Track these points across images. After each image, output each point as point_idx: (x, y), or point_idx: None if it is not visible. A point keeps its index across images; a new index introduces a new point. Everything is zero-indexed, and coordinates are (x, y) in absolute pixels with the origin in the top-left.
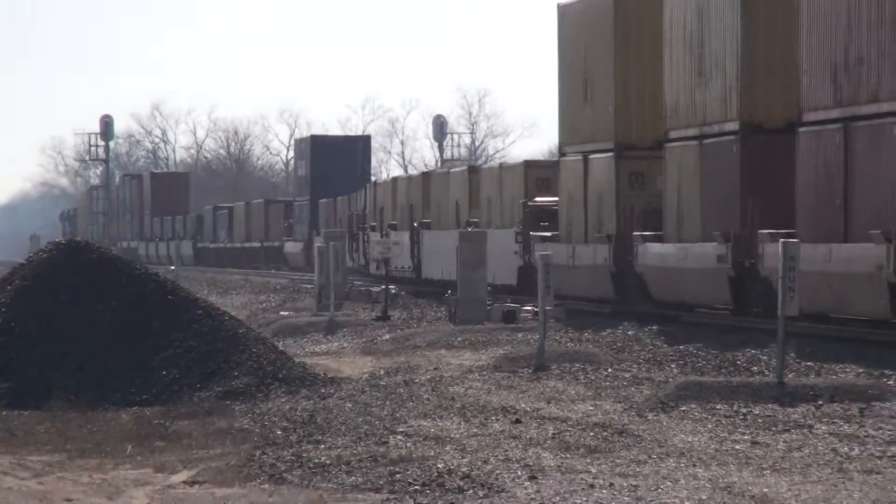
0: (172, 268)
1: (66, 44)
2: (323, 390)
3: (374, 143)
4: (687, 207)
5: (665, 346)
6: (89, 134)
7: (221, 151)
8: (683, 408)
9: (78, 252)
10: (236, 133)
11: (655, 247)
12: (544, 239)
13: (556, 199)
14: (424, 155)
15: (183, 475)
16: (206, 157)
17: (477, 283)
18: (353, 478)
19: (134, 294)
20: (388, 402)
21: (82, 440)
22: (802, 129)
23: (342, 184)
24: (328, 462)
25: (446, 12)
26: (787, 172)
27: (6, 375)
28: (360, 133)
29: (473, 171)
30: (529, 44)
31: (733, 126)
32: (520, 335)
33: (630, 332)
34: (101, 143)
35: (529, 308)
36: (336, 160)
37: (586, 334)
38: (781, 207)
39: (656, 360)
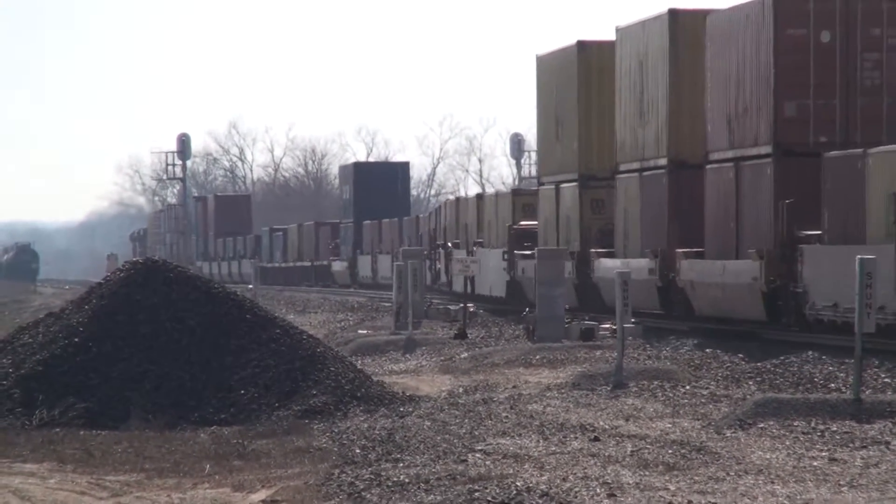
0: (251, 286)
1: (143, 62)
2: (401, 409)
3: (452, 161)
4: (631, 228)
5: (743, 363)
6: (166, 153)
7: (299, 170)
8: (761, 425)
9: (155, 271)
10: (314, 151)
11: (608, 261)
12: (524, 256)
13: (537, 222)
14: (502, 173)
15: (261, 494)
16: (283, 176)
17: (555, 300)
18: (432, 496)
19: (212, 313)
20: (466, 421)
21: (160, 460)
22: (708, 166)
23: (384, 207)
24: (407, 481)
25: (525, 31)
26: (702, 201)
27: (84, 395)
28: (437, 152)
29: (480, 198)
30: None
31: (663, 161)
32: (598, 353)
33: (707, 350)
34: (179, 161)
35: (608, 326)
36: (377, 185)
37: (665, 351)
38: (698, 230)
39: (734, 377)
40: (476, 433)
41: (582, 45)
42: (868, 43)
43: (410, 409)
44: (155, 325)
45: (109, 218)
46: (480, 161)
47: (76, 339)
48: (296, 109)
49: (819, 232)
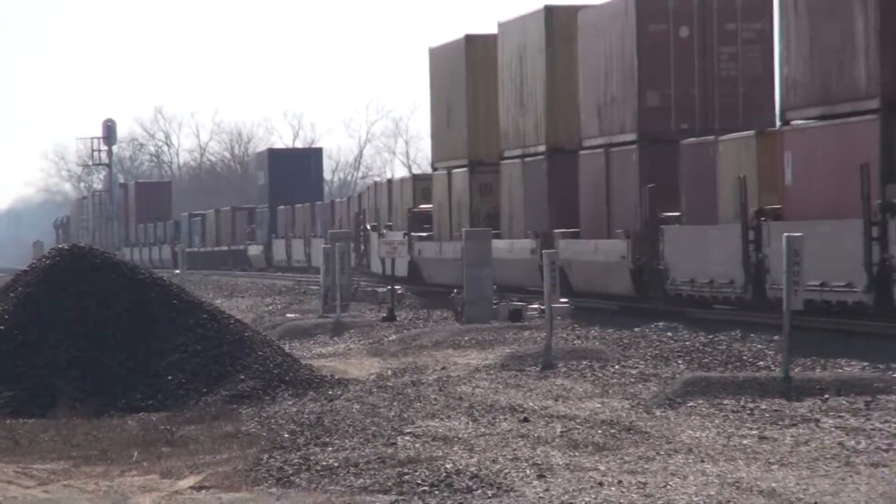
0: (178, 272)
1: (68, 48)
2: (330, 392)
3: (378, 143)
4: (515, 211)
5: (672, 342)
6: (92, 138)
7: (226, 154)
8: (691, 403)
9: (81, 258)
10: (240, 135)
11: (496, 242)
12: (421, 238)
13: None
14: (430, 154)
15: (190, 480)
16: (210, 160)
17: (482, 281)
18: (362, 480)
19: (138, 299)
20: (395, 403)
21: (88, 447)
22: (582, 151)
23: (298, 192)
24: (336, 464)
25: (450, 12)
26: (578, 185)
27: (10, 383)
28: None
29: (389, 183)
30: None
31: (542, 148)
32: (526, 333)
33: (636, 329)
34: (104, 147)
35: (536, 306)
36: (291, 171)
37: (593, 331)
38: (574, 212)
39: (663, 356)
40: (405, 416)
41: (469, 39)
42: (724, 37)
43: (339, 393)
44: (81, 311)
45: (35, 205)
46: (407, 143)
47: (1, 327)
48: (222, 93)
49: (678, 213)
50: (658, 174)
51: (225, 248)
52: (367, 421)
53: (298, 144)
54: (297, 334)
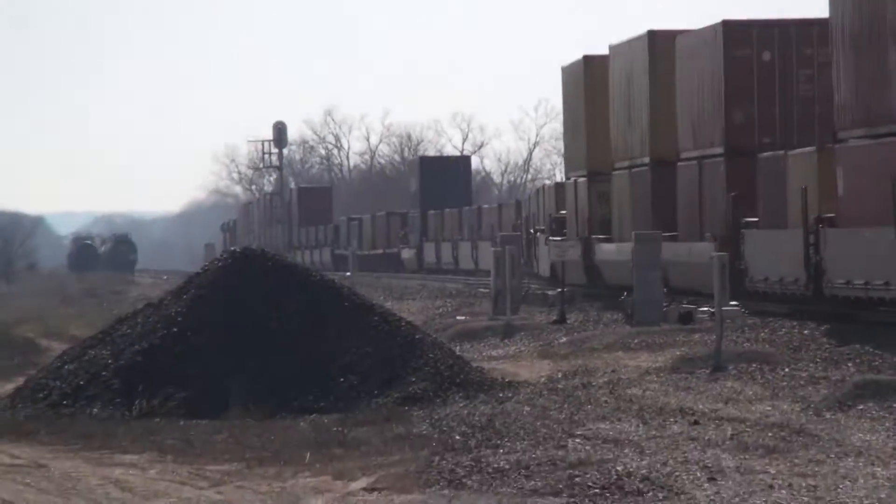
0: (348, 273)
1: (238, 52)
2: (501, 394)
3: (548, 146)
4: (624, 218)
5: (841, 345)
6: (262, 141)
7: (395, 157)
8: (861, 406)
9: (253, 260)
10: (409, 138)
11: (606, 246)
12: (556, 241)
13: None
14: None
15: (362, 482)
16: (380, 163)
17: (652, 284)
18: (533, 482)
19: (310, 301)
20: (566, 406)
21: (260, 449)
22: (679, 163)
23: (447, 197)
24: (507, 467)
25: (624, 16)
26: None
27: (183, 385)
28: (533, 136)
29: (560, 186)
30: None
31: (647, 160)
32: (696, 336)
33: (806, 332)
34: (275, 150)
35: (706, 309)
36: (441, 177)
37: (763, 334)
38: (674, 217)
39: (832, 359)
40: (575, 418)
41: (587, 59)
42: (802, 61)
43: (510, 395)
44: (253, 313)
45: (207, 208)
46: None
47: (175, 329)
48: (391, 96)
49: (756, 219)
50: (742, 184)
51: (380, 251)
52: (538, 423)
53: (468, 147)
54: (467, 337)
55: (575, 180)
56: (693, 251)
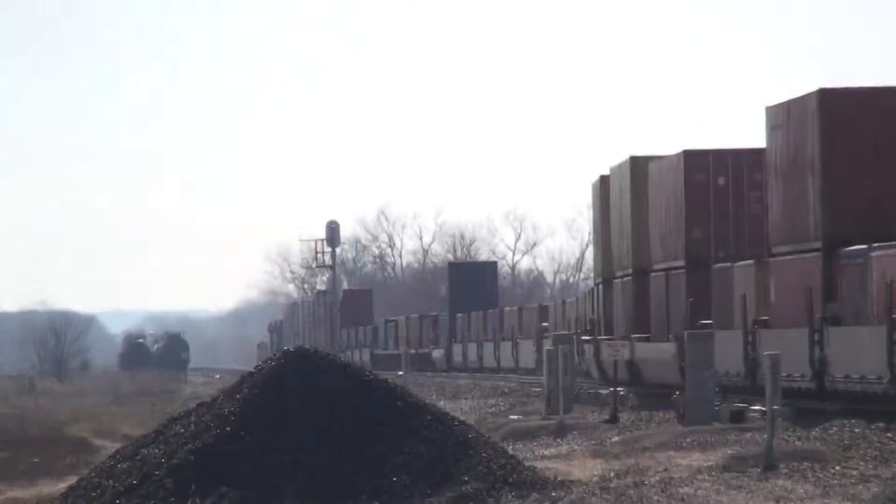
0: (401, 373)
1: (292, 151)
2: (553, 494)
3: None
4: (619, 319)
5: (893, 442)
6: (315, 240)
7: (448, 256)
8: None
9: (306, 360)
10: (462, 237)
11: (607, 344)
12: (584, 341)
13: None
14: None
15: None
16: (433, 262)
17: (705, 383)
18: None
19: (363, 400)
20: None
21: None
22: (652, 273)
23: (474, 301)
24: None
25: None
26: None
27: (237, 484)
28: (586, 236)
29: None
30: None
31: (630, 270)
32: (748, 435)
33: (857, 430)
34: (328, 249)
35: (757, 408)
36: (469, 282)
37: (814, 432)
38: (649, 320)
39: (883, 457)
40: None
41: (602, 178)
42: (752, 184)
43: (562, 494)
44: (307, 413)
45: (259, 307)
46: None
47: (228, 428)
48: (444, 194)
49: (710, 321)
50: (699, 291)
51: (413, 350)
52: None
53: (521, 246)
54: (520, 436)
55: (596, 284)
56: (660, 349)
